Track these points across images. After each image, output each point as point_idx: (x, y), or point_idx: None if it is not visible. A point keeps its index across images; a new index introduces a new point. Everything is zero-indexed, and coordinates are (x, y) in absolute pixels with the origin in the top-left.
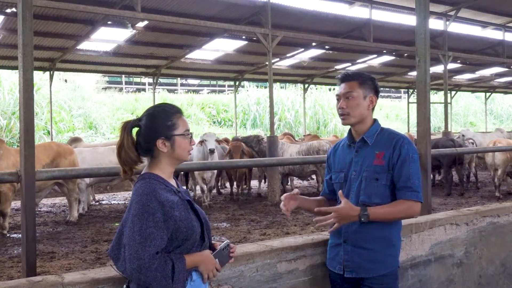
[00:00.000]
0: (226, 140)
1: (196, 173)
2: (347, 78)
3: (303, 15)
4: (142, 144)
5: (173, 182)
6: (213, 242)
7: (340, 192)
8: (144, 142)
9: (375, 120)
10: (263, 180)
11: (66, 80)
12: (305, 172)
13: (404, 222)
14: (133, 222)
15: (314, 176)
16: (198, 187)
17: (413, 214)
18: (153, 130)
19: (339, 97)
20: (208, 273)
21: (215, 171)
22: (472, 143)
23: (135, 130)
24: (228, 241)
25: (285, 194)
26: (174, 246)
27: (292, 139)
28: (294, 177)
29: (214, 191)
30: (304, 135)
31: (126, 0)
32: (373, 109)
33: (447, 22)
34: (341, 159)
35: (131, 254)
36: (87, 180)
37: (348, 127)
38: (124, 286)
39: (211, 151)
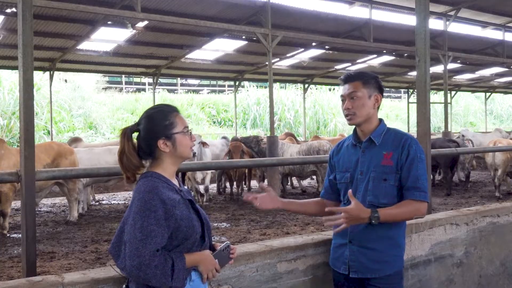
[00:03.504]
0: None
1: (188, 173)
2: (350, 78)
3: (303, 15)
4: (143, 147)
5: (175, 181)
6: (213, 242)
7: (349, 192)
8: (145, 145)
9: (381, 120)
10: (263, 180)
11: (66, 80)
12: (305, 172)
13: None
14: (135, 219)
15: (314, 176)
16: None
17: (421, 214)
18: (153, 131)
19: (343, 98)
20: (208, 274)
21: (209, 173)
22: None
23: (135, 134)
24: (229, 242)
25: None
26: (174, 245)
27: (294, 139)
28: (294, 177)
29: (215, 191)
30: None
31: (126, 0)
32: (378, 107)
33: (447, 22)
34: (346, 159)
35: (132, 251)
36: (83, 180)
37: (352, 127)
38: (124, 286)
39: (193, 155)
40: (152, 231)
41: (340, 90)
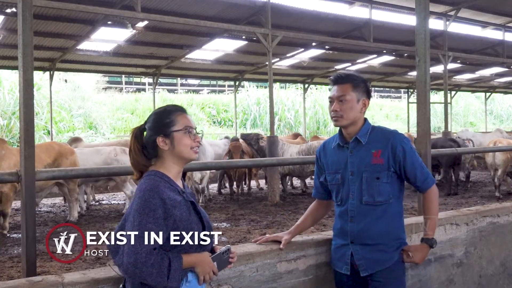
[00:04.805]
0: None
1: (188, 172)
2: (340, 80)
3: (303, 15)
4: (147, 145)
5: (179, 182)
6: (214, 245)
7: None
8: (148, 142)
9: (365, 119)
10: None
11: (66, 80)
12: (305, 172)
13: (405, 222)
14: (134, 217)
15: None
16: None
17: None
18: (154, 129)
19: (332, 99)
20: (204, 276)
21: (207, 173)
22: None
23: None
24: (229, 246)
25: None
26: (172, 245)
27: (305, 140)
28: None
29: (215, 191)
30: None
31: (126, 0)
32: (365, 112)
33: (447, 22)
34: (335, 160)
35: (129, 248)
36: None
37: None
38: (121, 286)
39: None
40: (150, 229)
41: (329, 91)
